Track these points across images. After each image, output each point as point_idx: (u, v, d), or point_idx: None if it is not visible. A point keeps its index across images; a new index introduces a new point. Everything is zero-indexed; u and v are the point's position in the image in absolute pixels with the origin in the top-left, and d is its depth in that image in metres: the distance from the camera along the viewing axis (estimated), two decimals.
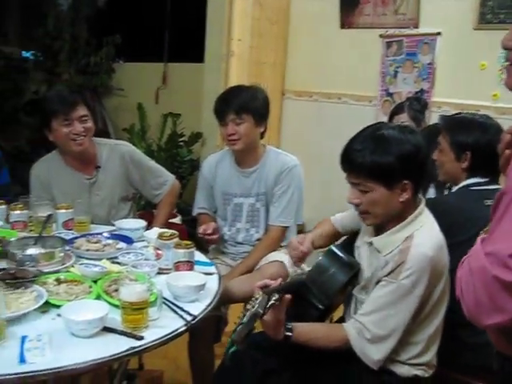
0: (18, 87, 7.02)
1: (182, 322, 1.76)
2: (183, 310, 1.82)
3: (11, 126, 6.92)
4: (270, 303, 1.70)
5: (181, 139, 5.31)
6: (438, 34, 4.04)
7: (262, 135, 2.85)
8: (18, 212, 2.49)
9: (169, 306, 1.85)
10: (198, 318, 1.80)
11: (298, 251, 2.24)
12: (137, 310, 1.66)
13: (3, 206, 2.58)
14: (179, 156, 5.24)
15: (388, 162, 1.78)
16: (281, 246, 2.88)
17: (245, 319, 1.66)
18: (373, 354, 1.85)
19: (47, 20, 6.14)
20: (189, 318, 1.78)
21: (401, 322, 1.82)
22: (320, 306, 2.06)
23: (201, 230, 2.72)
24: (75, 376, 1.54)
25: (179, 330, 1.72)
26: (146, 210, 4.30)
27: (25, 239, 2.22)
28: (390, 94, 4.34)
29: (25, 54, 7.30)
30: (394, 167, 1.79)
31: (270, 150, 2.89)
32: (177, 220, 4.78)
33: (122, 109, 6.33)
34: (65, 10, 6.25)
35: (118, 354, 1.56)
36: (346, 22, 4.54)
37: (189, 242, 2.13)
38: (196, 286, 1.92)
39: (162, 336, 1.67)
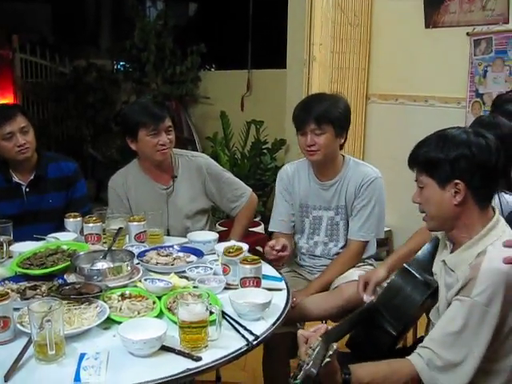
0: (110, 98, 7.25)
1: (244, 343, 1.68)
2: (246, 329, 1.75)
3: (103, 136, 7.16)
4: (324, 361, 1.50)
5: (264, 146, 5.28)
6: None
7: (342, 146, 2.73)
8: (91, 225, 2.50)
9: (231, 325, 1.79)
10: (261, 338, 1.72)
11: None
12: (195, 329, 1.61)
13: (78, 219, 2.60)
14: (263, 163, 5.20)
15: (438, 156, 1.73)
16: (361, 261, 2.76)
17: (299, 379, 1.47)
18: None
19: (134, 32, 6.30)
20: (251, 338, 1.70)
21: (478, 345, 1.61)
22: (393, 333, 1.93)
23: (269, 244, 2.56)
24: None
25: (239, 351, 1.66)
26: (229, 218, 4.29)
27: (94, 253, 2.22)
28: (480, 95, 4.12)
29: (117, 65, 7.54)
30: (444, 163, 1.72)
31: (349, 161, 2.76)
32: (259, 229, 4.74)
33: (207, 117, 6.40)
34: (151, 23, 6.36)
35: (173, 375, 1.51)
36: (430, 22, 4.37)
37: (256, 257, 2.06)
38: (260, 304, 1.84)
39: (220, 357, 1.61)
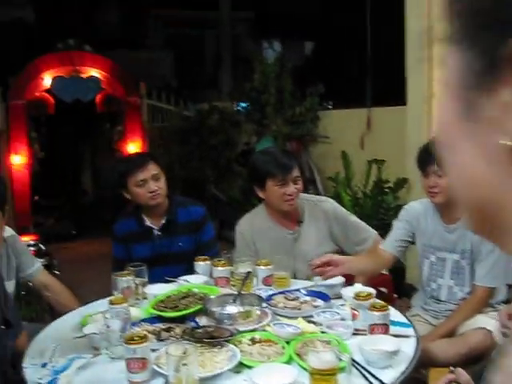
0: (231, 139, 7.45)
1: None
2: (375, 377, 1.74)
3: (226, 177, 7.35)
4: None
5: (386, 185, 5.22)
6: None
7: None
8: (221, 268, 2.59)
9: (360, 372, 1.78)
10: None
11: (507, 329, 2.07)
12: (325, 376, 1.62)
13: (208, 262, 2.70)
14: (385, 203, 5.14)
15: None
16: (490, 306, 2.66)
17: None
18: None
19: (254, 75, 6.49)
20: None
21: None
22: None
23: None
24: None
25: None
26: None
27: (224, 296, 2.29)
28: None
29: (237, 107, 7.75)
30: None
31: None
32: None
33: (327, 156, 6.40)
34: (270, 66, 6.53)
35: None
36: None
37: (384, 304, 2.05)
38: (390, 352, 1.83)
39: None
